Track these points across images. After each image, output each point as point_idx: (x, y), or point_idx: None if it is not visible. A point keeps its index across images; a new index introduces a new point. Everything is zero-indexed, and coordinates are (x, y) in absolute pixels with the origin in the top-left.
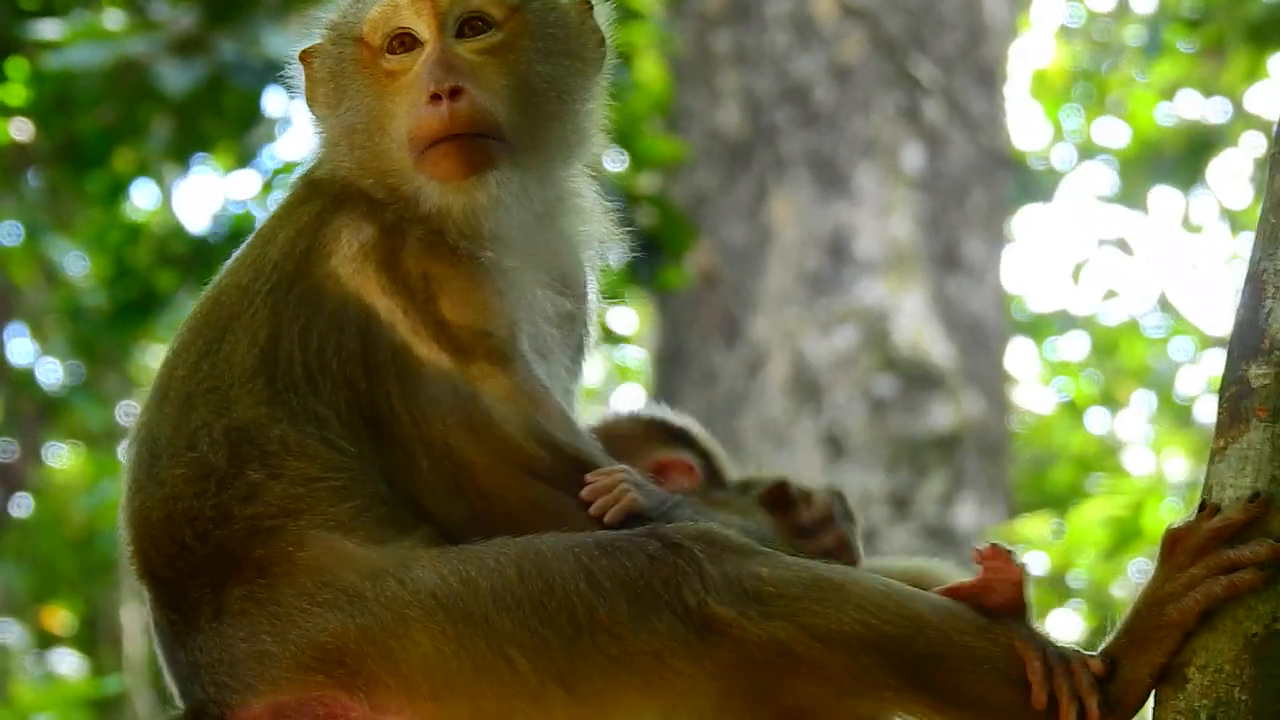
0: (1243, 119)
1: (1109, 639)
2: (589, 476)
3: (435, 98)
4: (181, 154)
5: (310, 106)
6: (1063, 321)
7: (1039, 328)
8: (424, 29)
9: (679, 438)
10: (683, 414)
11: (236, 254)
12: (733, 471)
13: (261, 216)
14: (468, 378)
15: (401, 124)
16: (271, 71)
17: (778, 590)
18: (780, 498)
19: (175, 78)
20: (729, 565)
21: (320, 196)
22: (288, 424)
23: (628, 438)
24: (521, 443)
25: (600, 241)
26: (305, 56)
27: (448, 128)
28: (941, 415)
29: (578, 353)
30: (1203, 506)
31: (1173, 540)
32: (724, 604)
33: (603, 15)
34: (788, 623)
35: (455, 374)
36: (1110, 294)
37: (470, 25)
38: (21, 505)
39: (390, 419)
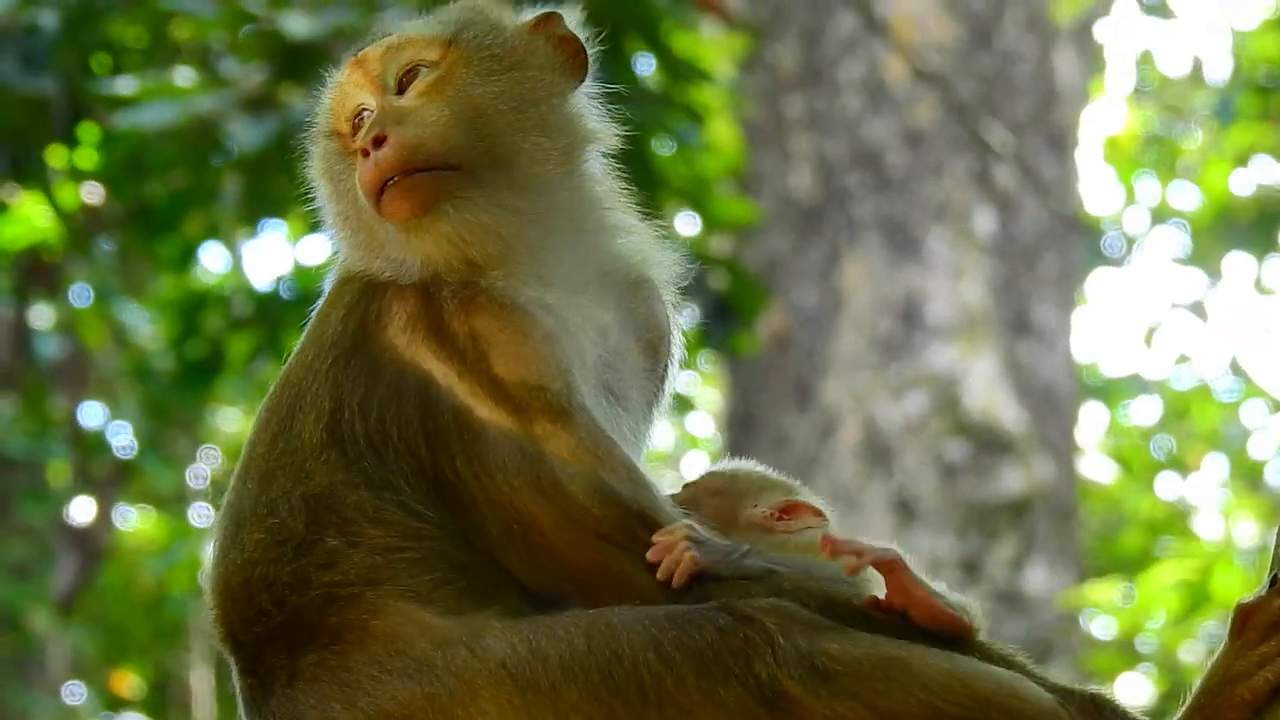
0: None
1: (1179, 716)
2: (654, 537)
3: (364, 153)
4: (252, 216)
5: (322, 207)
6: (1135, 385)
7: (1111, 392)
8: (369, 98)
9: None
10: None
11: (302, 334)
12: None
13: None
14: (531, 438)
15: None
16: None
17: (846, 669)
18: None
19: (246, 135)
20: (801, 640)
21: (356, 281)
22: (365, 489)
23: (743, 492)
24: (587, 504)
25: (659, 261)
26: (309, 165)
27: (379, 175)
28: (1012, 480)
29: (660, 385)
30: (1274, 581)
31: (1243, 615)
32: (794, 680)
33: (571, 20)
34: (855, 702)
35: (519, 434)
36: (1183, 358)
37: (410, 75)
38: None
39: (457, 484)
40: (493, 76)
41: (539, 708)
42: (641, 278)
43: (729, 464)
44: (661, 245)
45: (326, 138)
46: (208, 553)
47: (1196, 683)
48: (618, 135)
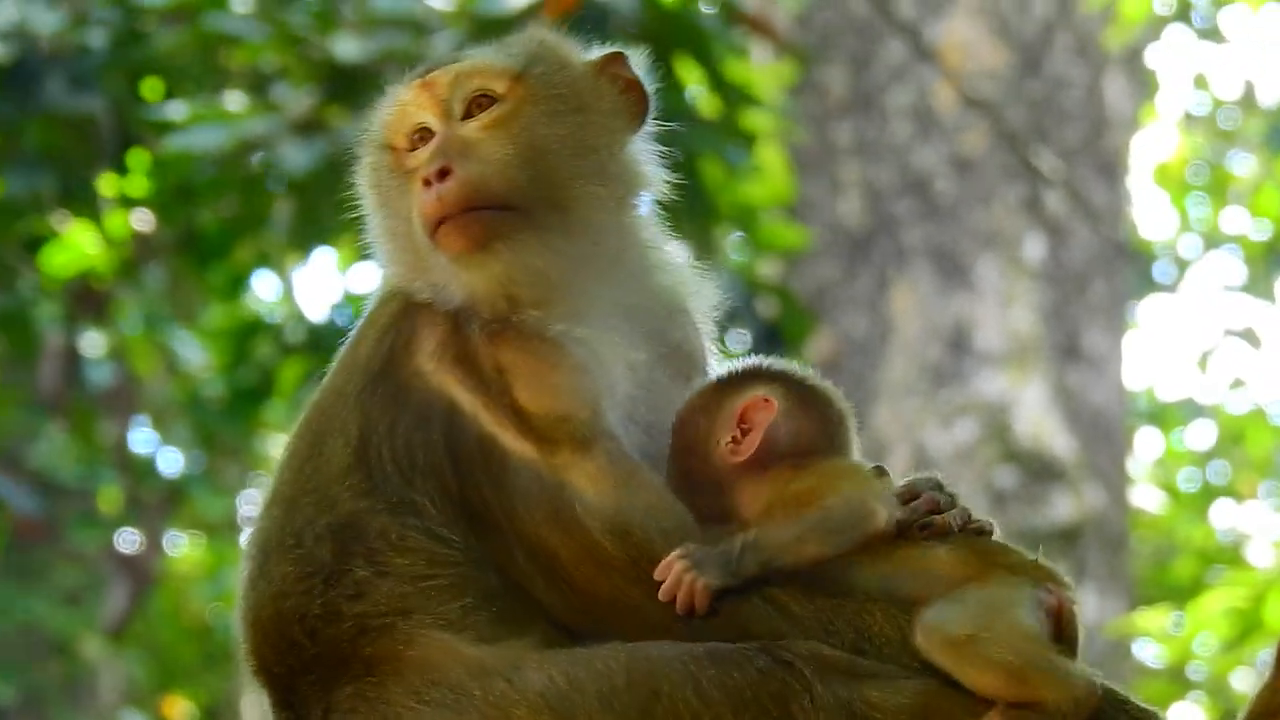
0: None
1: None
2: (656, 575)
3: (427, 183)
4: (302, 242)
5: (369, 217)
6: (1189, 411)
7: (1165, 417)
8: (432, 120)
9: (748, 377)
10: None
11: (336, 356)
12: (828, 391)
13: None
14: (552, 468)
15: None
16: None
17: (885, 717)
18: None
19: (295, 158)
20: (839, 687)
21: (397, 299)
22: (389, 515)
23: (703, 407)
24: (601, 539)
25: (696, 291)
26: (359, 174)
27: (441, 209)
28: (1062, 507)
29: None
30: None
31: None
32: None
33: (637, 64)
34: None
35: (540, 464)
36: (1237, 383)
37: (475, 104)
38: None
39: (484, 510)
40: (558, 117)
41: None
42: (678, 308)
43: (685, 401)
44: (700, 277)
45: (380, 150)
46: (237, 583)
47: (1240, 715)
48: (669, 180)
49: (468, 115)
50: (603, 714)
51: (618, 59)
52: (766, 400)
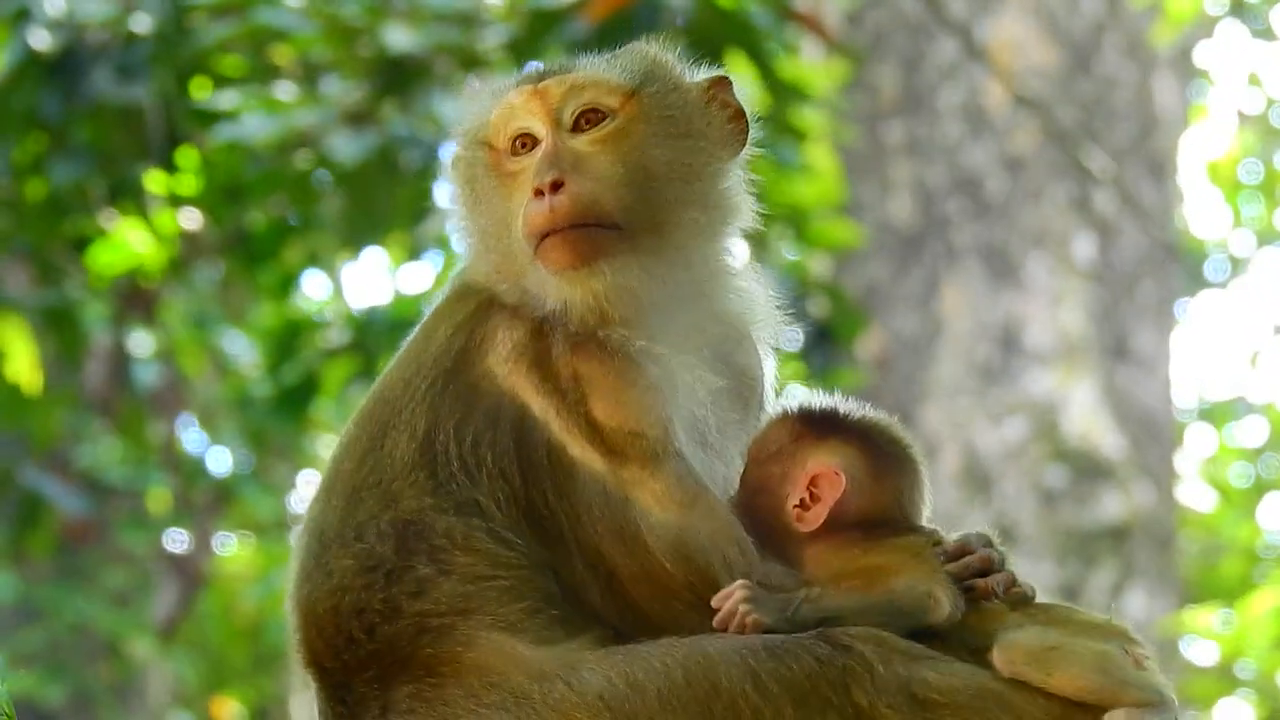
0: None
1: None
2: (713, 602)
3: (538, 193)
4: (352, 239)
5: (457, 211)
6: (1241, 408)
7: (1217, 414)
8: (540, 127)
9: (824, 430)
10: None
11: (401, 349)
12: (903, 452)
13: (427, 308)
14: (619, 482)
15: (520, 223)
16: (443, 144)
17: (944, 698)
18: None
19: (346, 147)
20: (900, 667)
21: (474, 297)
22: (454, 515)
23: (777, 454)
24: (663, 560)
25: (765, 318)
26: (452, 164)
27: (551, 222)
28: (1112, 506)
29: (747, 434)
30: None
31: None
32: (892, 708)
33: (740, 91)
34: None
35: (607, 477)
36: None
37: (586, 118)
38: (193, 596)
39: (547, 515)
40: (669, 140)
41: None
42: (745, 334)
43: (770, 419)
44: (770, 304)
45: (479, 146)
46: (290, 572)
47: None
48: (757, 214)
49: (576, 128)
50: (662, 713)
51: (724, 84)
52: (837, 474)
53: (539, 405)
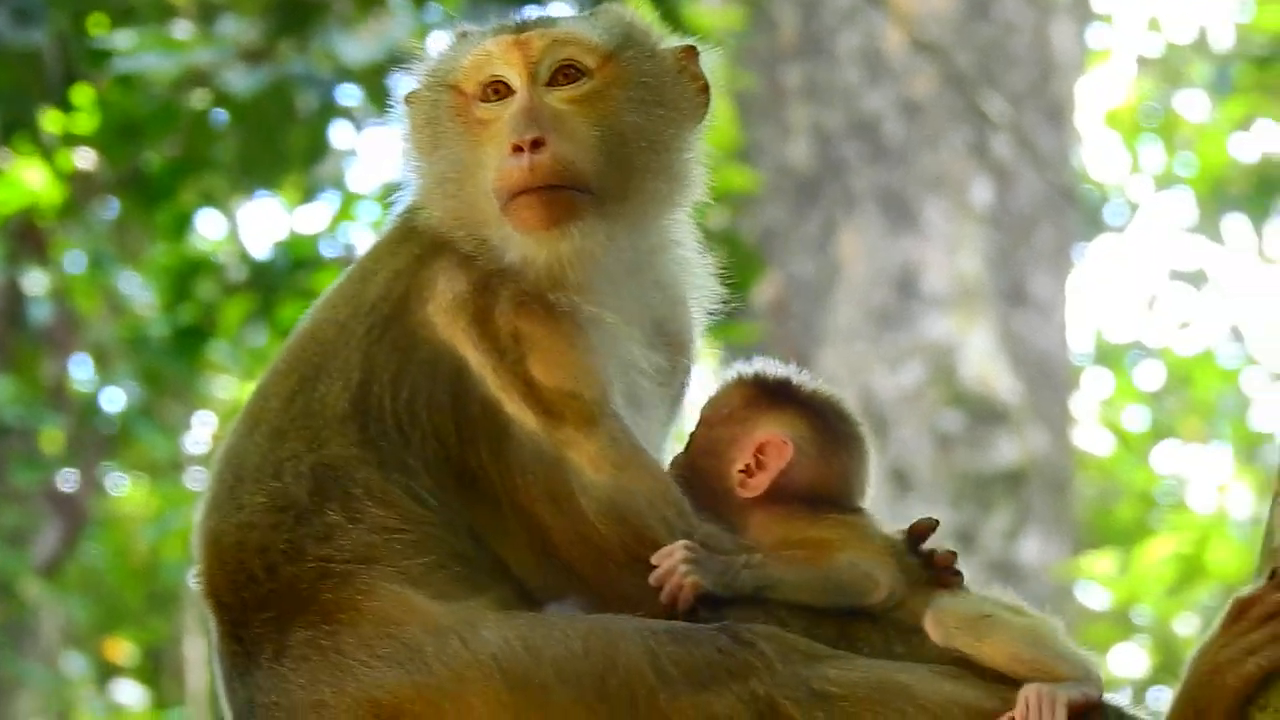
0: None
1: (1171, 712)
2: (654, 559)
3: (517, 149)
4: (247, 180)
5: (410, 150)
6: (1137, 352)
7: (1113, 358)
8: (515, 77)
9: (776, 398)
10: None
11: (335, 285)
12: (851, 429)
13: (327, 248)
14: (554, 442)
15: (489, 174)
16: (341, 82)
17: (844, 691)
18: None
19: (241, 83)
20: (799, 665)
21: (418, 240)
22: (376, 469)
23: (727, 418)
24: (598, 523)
25: (701, 291)
26: (408, 100)
27: (528, 180)
28: (1007, 450)
29: (674, 404)
30: (1273, 574)
31: (1239, 608)
32: (790, 701)
33: (707, 62)
34: None
35: (542, 438)
36: (1185, 325)
37: (563, 73)
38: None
39: (480, 476)
40: (643, 107)
41: (527, 706)
42: (680, 299)
43: (723, 381)
44: (707, 273)
45: (445, 89)
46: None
47: (1186, 672)
48: (708, 188)
49: (552, 83)
50: (557, 681)
51: (693, 54)
52: (785, 443)
53: (476, 360)
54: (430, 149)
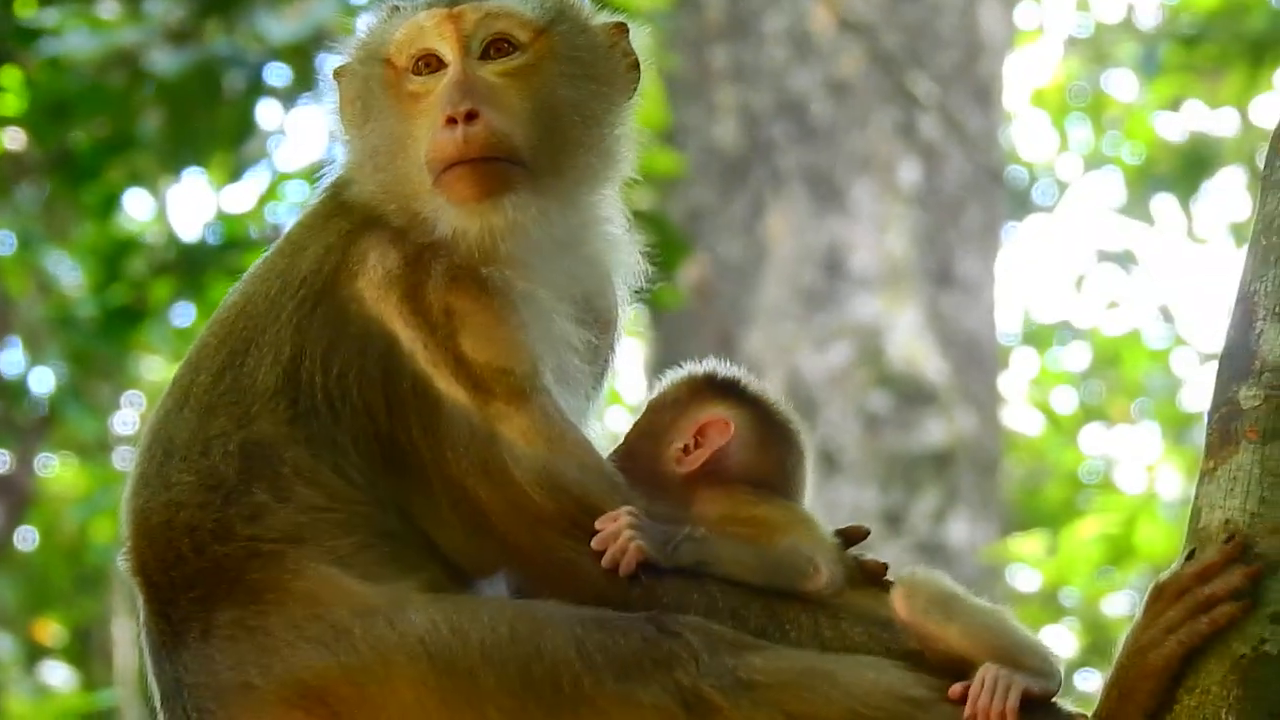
0: (1248, 133)
1: (1101, 697)
2: (597, 524)
3: (451, 121)
4: (174, 159)
5: (340, 124)
6: (1065, 333)
7: (1041, 339)
8: (448, 51)
9: (723, 390)
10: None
11: (264, 258)
12: (793, 428)
13: (255, 229)
14: (485, 417)
15: (421, 146)
16: (268, 62)
17: (769, 679)
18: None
19: (167, 62)
20: (725, 655)
21: (348, 215)
22: (304, 447)
23: (672, 403)
24: (533, 492)
25: (628, 268)
26: (337, 74)
27: (462, 152)
28: (935, 431)
29: (599, 380)
30: (1189, 555)
31: (1156, 591)
32: (716, 689)
33: (638, 39)
34: (775, 710)
35: (473, 412)
36: (1113, 305)
37: (495, 47)
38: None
39: (410, 453)
40: (575, 82)
41: (453, 691)
42: (606, 275)
43: (673, 375)
44: (634, 250)
45: (376, 62)
46: (128, 478)
47: (1114, 657)
48: (637, 164)
49: (485, 56)
50: (482, 665)
51: (624, 30)
52: (726, 424)
53: (407, 336)
54: (361, 123)
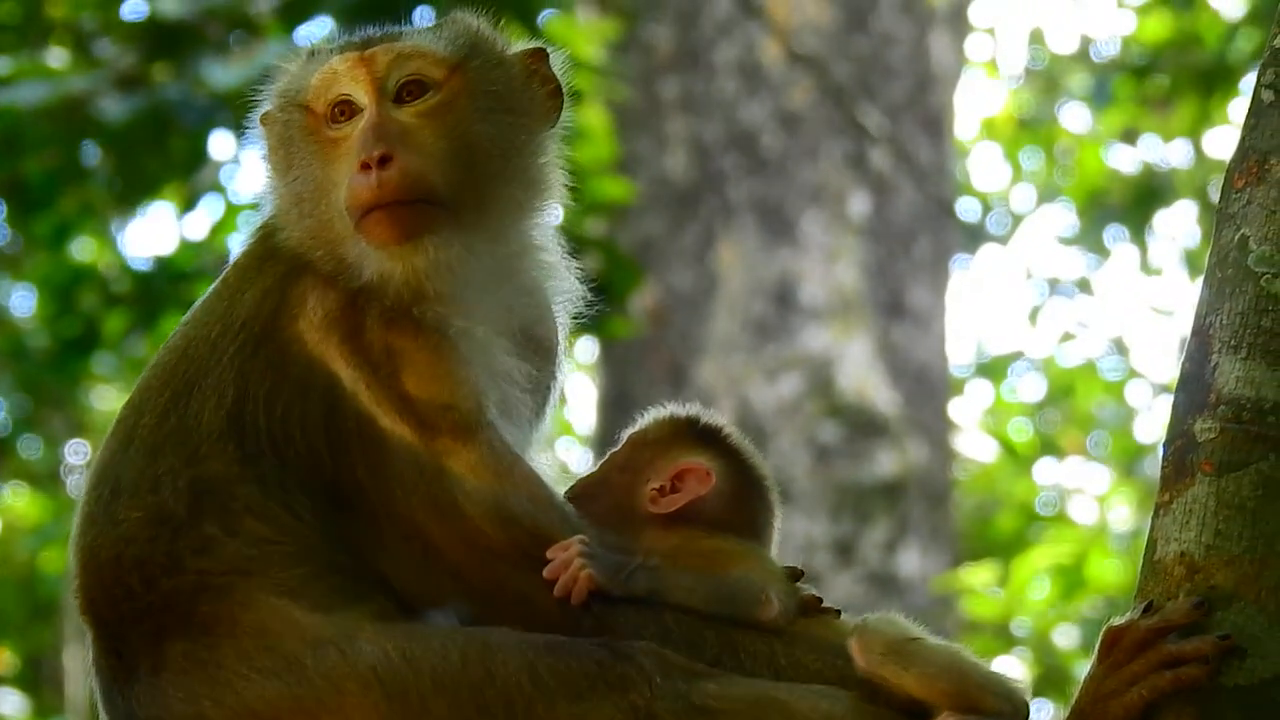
0: (1200, 165)
1: None
2: (549, 553)
3: (365, 166)
4: (126, 197)
5: (266, 170)
6: (1020, 364)
7: (995, 370)
8: (362, 95)
9: (706, 438)
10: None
11: (202, 301)
12: (768, 484)
13: (210, 260)
14: (431, 453)
15: (341, 192)
16: (217, 108)
17: (722, 705)
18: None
19: (116, 109)
20: (679, 680)
21: (283, 259)
22: (254, 485)
23: (654, 442)
24: (484, 525)
25: (566, 295)
26: (262, 120)
27: (377, 196)
28: (886, 462)
29: (541, 410)
30: (1147, 607)
31: (1112, 638)
32: (669, 713)
33: (557, 63)
34: None
35: (419, 449)
36: (1067, 336)
37: (408, 90)
38: None
39: (356, 493)
40: (491, 115)
41: (405, 717)
42: (545, 305)
43: (655, 414)
44: (571, 276)
45: (296, 109)
46: (75, 518)
47: (1069, 707)
48: (567, 187)
49: (399, 99)
50: (434, 693)
51: (542, 55)
52: (708, 474)
53: (349, 376)
54: (285, 169)
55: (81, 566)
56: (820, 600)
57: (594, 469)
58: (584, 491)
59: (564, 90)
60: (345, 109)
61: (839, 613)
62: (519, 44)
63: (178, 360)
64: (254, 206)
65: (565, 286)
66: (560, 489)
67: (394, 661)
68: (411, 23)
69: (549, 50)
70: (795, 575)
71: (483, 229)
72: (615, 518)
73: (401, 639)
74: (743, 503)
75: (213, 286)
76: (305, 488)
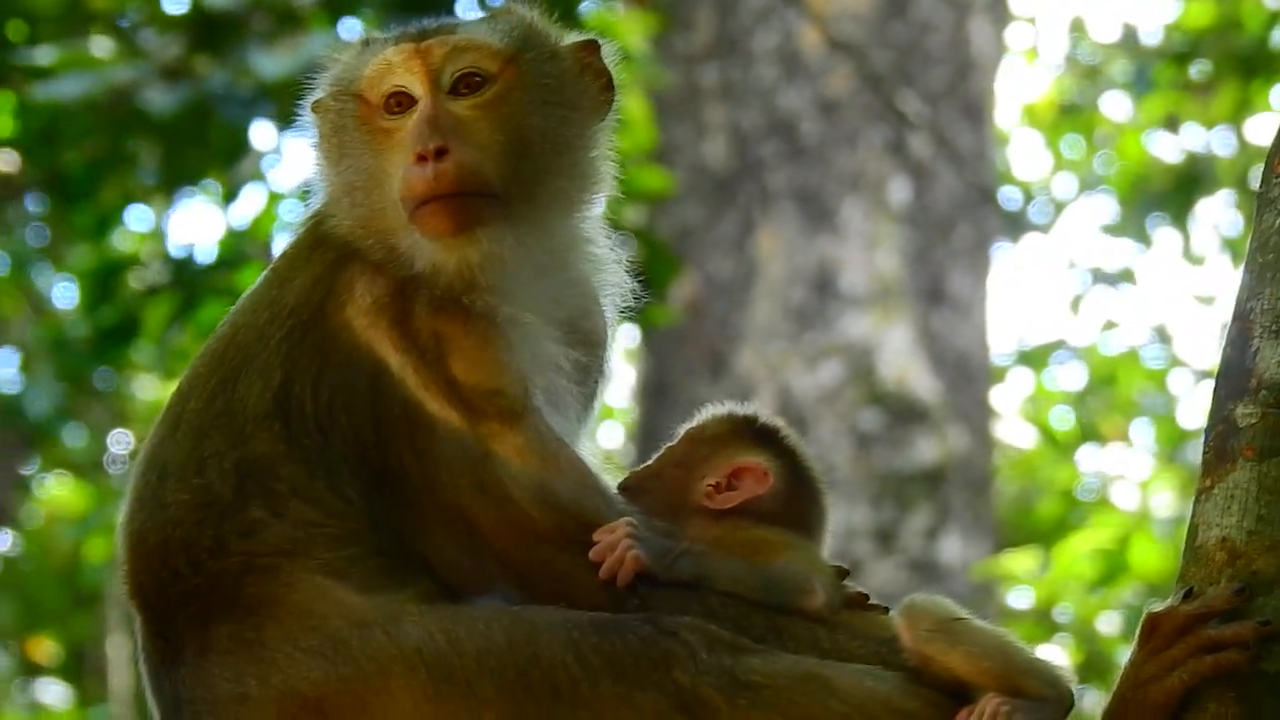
0: (1242, 151)
1: None
2: (595, 535)
3: (421, 158)
4: (168, 186)
5: (318, 158)
6: (1061, 352)
7: (1036, 359)
8: (417, 87)
9: (763, 437)
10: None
11: (251, 290)
12: (823, 487)
13: (251, 248)
14: (478, 437)
15: (395, 183)
16: (260, 99)
17: (767, 681)
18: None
19: (161, 101)
20: (723, 655)
21: (330, 246)
22: (301, 465)
23: (711, 439)
24: (529, 508)
25: (614, 288)
26: (314, 108)
27: (433, 188)
28: (926, 449)
29: (589, 401)
30: (1187, 594)
31: (1152, 624)
32: (714, 689)
33: (609, 56)
34: (772, 711)
35: (466, 434)
36: (1109, 325)
37: (465, 82)
38: (7, 536)
39: (401, 477)
40: (545, 109)
41: (451, 699)
42: (593, 298)
43: (713, 410)
44: (620, 269)
45: (350, 98)
46: (123, 503)
47: (1110, 695)
48: (617, 180)
49: (455, 91)
50: (479, 674)
51: (594, 48)
52: (765, 473)
53: (397, 361)
54: (337, 158)
55: (130, 551)
56: (867, 597)
57: (648, 462)
58: (637, 484)
59: (615, 83)
60: (400, 100)
61: (886, 609)
62: (571, 36)
63: (226, 346)
64: (296, 196)
65: (613, 279)
66: (605, 476)
67: (439, 643)
68: (454, 14)
69: (601, 43)
70: (842, 574)
71: (534, 221)
72: (666, 511)
73: (446, 621)
74: (796, 504)
75: (262, 275)
76: (350, 471)
